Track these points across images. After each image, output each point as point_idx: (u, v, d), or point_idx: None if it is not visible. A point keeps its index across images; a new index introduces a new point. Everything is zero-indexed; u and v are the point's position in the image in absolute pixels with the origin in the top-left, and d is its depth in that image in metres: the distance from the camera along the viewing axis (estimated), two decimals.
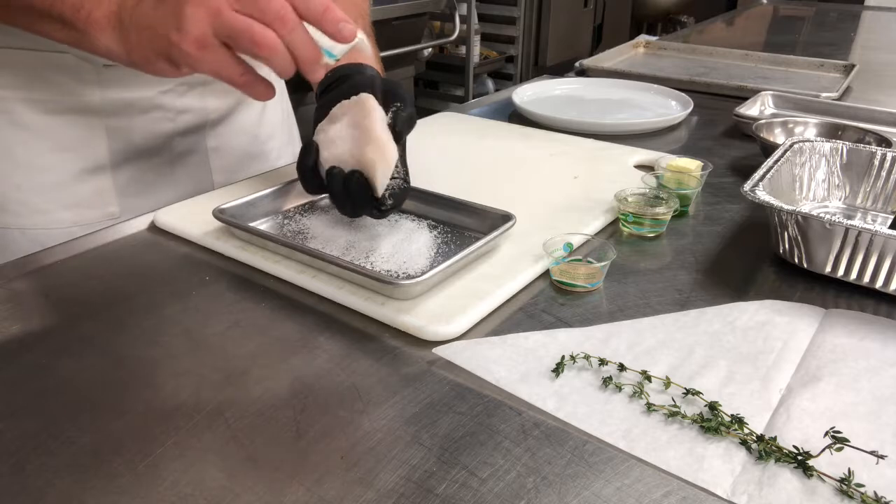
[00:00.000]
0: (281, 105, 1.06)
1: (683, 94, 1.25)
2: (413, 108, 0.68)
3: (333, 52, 0.58)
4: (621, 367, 0.55)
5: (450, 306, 0.62)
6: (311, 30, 0.58)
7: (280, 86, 1.05)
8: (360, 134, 0.66)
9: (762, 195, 0.69)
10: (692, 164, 0.86)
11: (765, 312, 0.63)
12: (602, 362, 0.55)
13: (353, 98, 0.68)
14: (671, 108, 1.23)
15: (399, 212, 0.74)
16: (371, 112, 0.66)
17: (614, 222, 0.81)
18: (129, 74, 0.81)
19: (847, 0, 2.72)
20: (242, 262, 0.70)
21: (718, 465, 0.47)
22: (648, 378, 0.54)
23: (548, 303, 0.65)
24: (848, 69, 1.48)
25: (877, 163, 0.82)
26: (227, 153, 0.97)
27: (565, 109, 1.22)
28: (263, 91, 0.62)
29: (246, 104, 0.97)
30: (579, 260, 0.69)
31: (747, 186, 0.70)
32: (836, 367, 0.55)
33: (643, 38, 1.83)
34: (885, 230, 0.63)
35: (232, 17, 0.56)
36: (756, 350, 0.58)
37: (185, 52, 0.57)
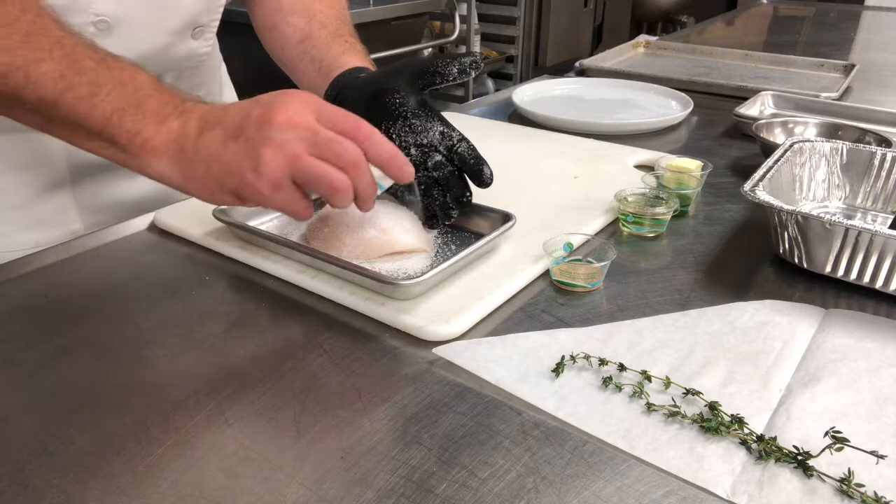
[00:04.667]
0: None
1: (683, 94, 1.25)
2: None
3: (384, 184, 0.62)
4: (621, 367, 0.55)
5: (450, 306, 0.62)
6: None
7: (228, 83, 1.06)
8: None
9: (762, 195, 0.69)
10: (692, 164, 0.86)
11: (765, 312, 0.63)
12: (602, 362, 0.55)
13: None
14: (671, 108, 1.23)
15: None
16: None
17: (614, 222, 0.81)
18: None
19: (847, 0, 2.72)
20: (242, 262, 0.70)
21: (718, 465, 0.47)
22: (648, 378, 0.54)
23: (548, 303, 0.65)
24: (848, 69, 1.48)
25: (877, 163, 0.82)
26: None
27: (565, 109, 1.22)
28: (310, 215, 0.62)
29: None
30: (579, 260, 0.69)
31: (747, 186, 0.70)
32: (836, 367, 0.55)
33: (643, 38, 1.83)
34: (885, 230, 0.63)
35: (311, 164, 0.56)
36: (756, 350, 0.58)
37: (258, 192, 0.57)
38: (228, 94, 1.05)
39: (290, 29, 0.87)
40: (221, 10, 0.86)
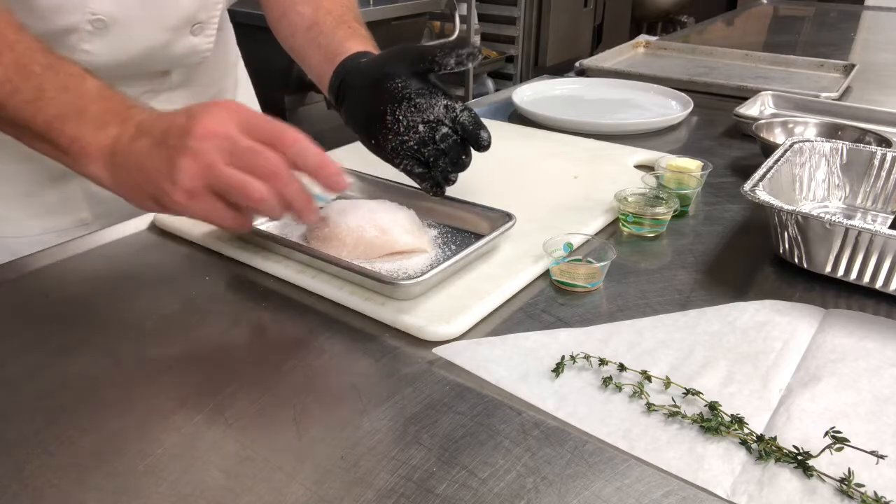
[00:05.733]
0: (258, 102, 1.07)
1: (683, 94, 1.25)
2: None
3: (325, 196, 0.60)
4: (621, 367, 0.55)
5: (450, 306, 0.62)
6: (304, 177, 0.59)
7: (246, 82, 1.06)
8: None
9: (762, 195, 0.69)
10: (692, 164, 0.86)
11: (765, 312, 0.63)
12: (602, 362, 0.55)
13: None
14: (671, 108, 1.23)
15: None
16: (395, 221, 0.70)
17: (614, 222, 0.81)
18: None
19: (847, 0, 2.72)
20: (242, 262, 0.70)
21: (718, 465, 0.47)
22: (648, 378, 0.54)
23: (548, 303, 0.65)
24: (848, 69, 1.48)
25: (877, 163, 0.82)
26: None
27: (565, 109, 1.22)
28: (248, 227, 0.63)
29: None
30: (579, 260, 0.69)
31: (747, 186, 0.70)
32: (836, 367, 0.55)
33: (643, 38, 1.83)
34: (885, 230, 0.63)
35: (226, 173, 0.56)
36: (756, 350, 0.58)
37: (174, 201, 0.58)
38: (244, 91, 1.05)
39: (298, 17, 0.89)
40: (220, 6, 0.86)
